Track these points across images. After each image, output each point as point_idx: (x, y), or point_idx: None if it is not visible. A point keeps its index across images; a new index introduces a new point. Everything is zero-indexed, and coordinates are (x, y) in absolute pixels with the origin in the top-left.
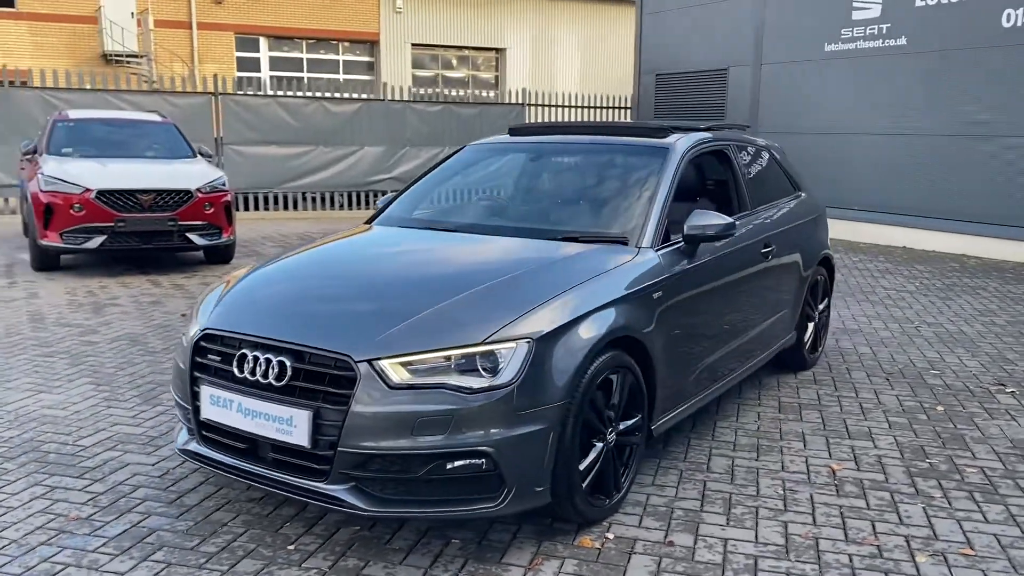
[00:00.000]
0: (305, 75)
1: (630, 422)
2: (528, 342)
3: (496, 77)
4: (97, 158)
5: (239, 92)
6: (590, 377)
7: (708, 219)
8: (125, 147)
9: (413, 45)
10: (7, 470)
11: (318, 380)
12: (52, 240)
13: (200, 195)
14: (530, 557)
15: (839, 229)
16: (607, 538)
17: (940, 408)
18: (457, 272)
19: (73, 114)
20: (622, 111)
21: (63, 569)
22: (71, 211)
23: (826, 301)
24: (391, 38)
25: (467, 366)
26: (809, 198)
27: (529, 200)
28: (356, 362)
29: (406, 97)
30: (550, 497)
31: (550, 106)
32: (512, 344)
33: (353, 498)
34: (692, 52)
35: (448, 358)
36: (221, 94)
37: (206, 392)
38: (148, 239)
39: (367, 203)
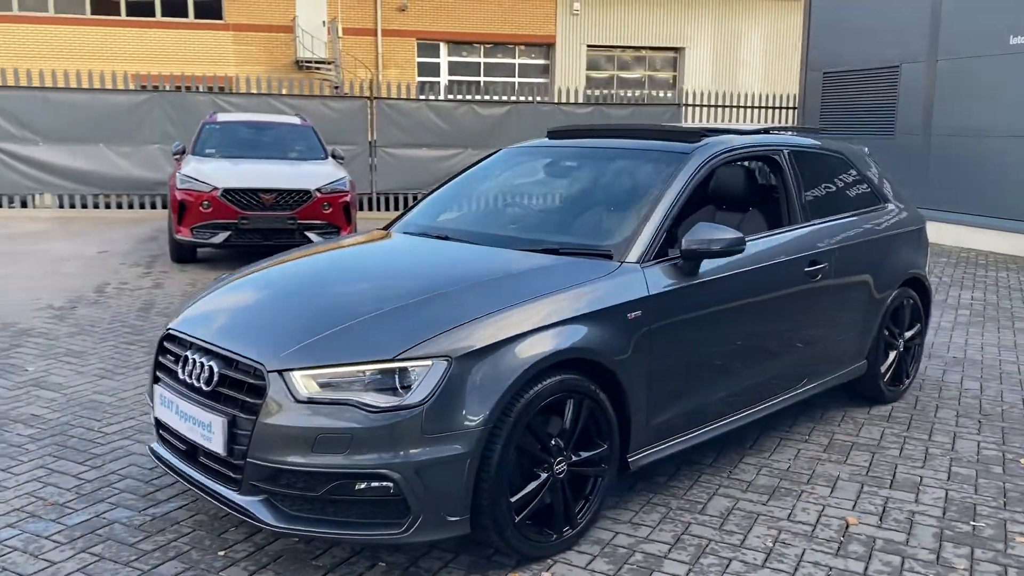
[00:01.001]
0: (481, 79)
1: (591, 452)
2: (446, 360)
3: (674, 77)
4: (233, 158)
5: (391, 96)
6: (528, 401)
7: (710, 233)
8: (263, 148)
9: (589, 47)
10: (27, 451)
11: (239, 388)
12: (184, 235)
13: (319, 195)
14: None
15: (1020, 245)
16: None
17: None
18: (409, 282)
19: (221, 117)
20: (787, 111)
21: (8, 553)
22: (200, 208)
23: (916, 328)
24: (567, 40)
25: (379, 383)
26: (899, 211)
27: (530, 208)
28: (267, 372)
29: (562, 99)
30: (470, 528)
31: (708, 106)
32: (427, 362)
33: (262, 511)
34: (861, 47)
35: (358, 373)
36: (376, 98)
37: (157, 392)
38: (269, 236)
39: None
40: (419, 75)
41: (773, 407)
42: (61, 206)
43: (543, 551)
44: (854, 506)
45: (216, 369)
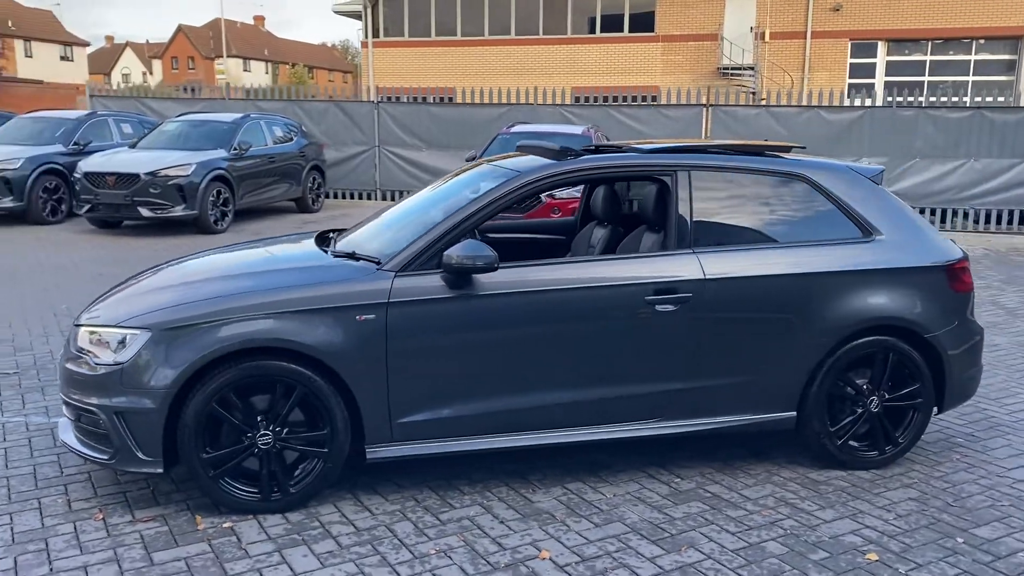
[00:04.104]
0: (926, 79)
1: (308, 433)
2: (150, 332)
3: None
4: None
5: (728, 103)
6: (224, 376)
7: (470, 251)
8: None
9: None
10: None
11: None
12: None
13: (548, 200)
14: (154, 514)
15: None
16: (217, 525)
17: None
18: (211, 271)
19: (514, 128)
20: None
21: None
22: None
23: (912, 388)
24: None
25: (109, 344)
26: (891, 246)
27: (407, 218)
28: (73, 325)
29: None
30: (163, 469)
31: None
32: (136, 331)
33: (64, 430)
34: None
35: (97, 333)
36: (712, 105)
37: None
38: None
39: None
40: (850, 77)
41: (596, 436)
42: None
43: (244, 506)
44: (577, 547)
45: None
